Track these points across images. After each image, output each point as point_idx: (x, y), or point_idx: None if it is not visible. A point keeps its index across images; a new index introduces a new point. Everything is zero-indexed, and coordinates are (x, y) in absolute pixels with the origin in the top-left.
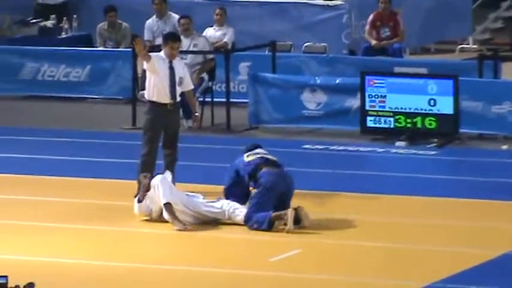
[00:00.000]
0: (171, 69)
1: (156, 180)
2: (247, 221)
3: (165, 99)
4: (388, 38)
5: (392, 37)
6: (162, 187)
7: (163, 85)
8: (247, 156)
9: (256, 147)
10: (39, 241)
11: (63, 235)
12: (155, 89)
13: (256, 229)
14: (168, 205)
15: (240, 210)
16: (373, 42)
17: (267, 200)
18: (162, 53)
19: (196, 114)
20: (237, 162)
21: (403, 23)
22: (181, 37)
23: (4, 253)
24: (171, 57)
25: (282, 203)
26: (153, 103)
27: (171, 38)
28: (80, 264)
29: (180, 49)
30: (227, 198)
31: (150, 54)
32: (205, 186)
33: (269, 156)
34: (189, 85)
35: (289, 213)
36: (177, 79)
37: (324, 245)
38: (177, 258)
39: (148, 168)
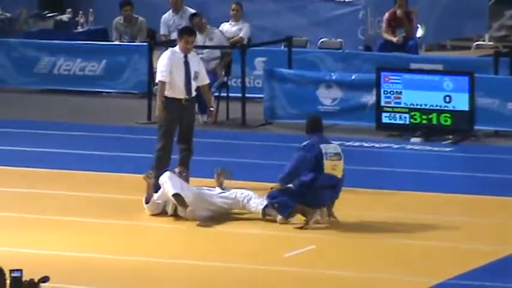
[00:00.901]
0: (186, 64)
1: (164, 177)
2: (269, 197)
3: (180, 94)
4: (403, 39)
5: (407, 37)
6: (170, 182)
7: (178, 80)
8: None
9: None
10: (52, 235)
11: (77, 229)
12: (170, 84)
13: (273, 208)
14: (176, 195)
15: (254, 202)
16: (395, 39)
17: (303, 192)
18: (177, 48)
19: (212, 109)
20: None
21: (417, 22)
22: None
23: (18, 247)
24: (186, 51)
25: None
26: (168, 98)
27: (187, 32)
28: (93, 258)
29: (195, 44)
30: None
31: (167, 50)
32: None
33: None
34: (204, 79)
35: (321, 215)
36: (192, 74)
37: (339, 241)
38: (192, 253)
39: (163, 163)
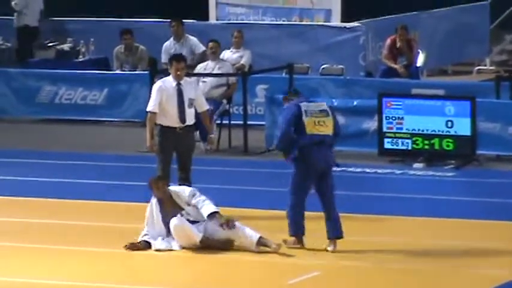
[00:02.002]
0: (179, 91)
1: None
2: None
3: (174, 122)
4: (405, 67)
5: (409, 65)
6: (188, 227)
7: (171, 109)
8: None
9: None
10: (56, 264)
11: (76, 258)
12: (163, 113)
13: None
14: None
15: (249, 230)
16: (398, 67)
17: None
18: (169, 77)
19: (212, 136)
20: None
21: (419, 48)
22: (209, 60)
23: (26, 277)
24: (177, 79)
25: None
26: (162, 126)
27: (175, 59)
28: (98, 287)
29: (206, 71)
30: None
31: (156, 84)
32: (222, 208)
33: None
34: (202, 106)
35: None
36: (186, 101)
37: (343, 267)
38: (195, 281)
39: None
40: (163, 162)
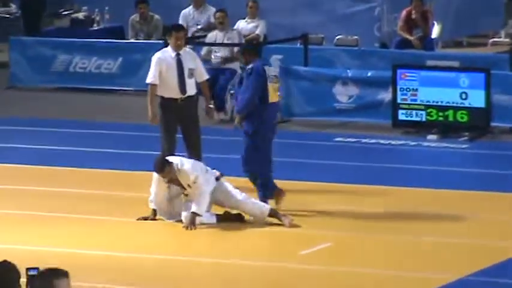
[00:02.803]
0: (179, 62)
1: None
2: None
3: (175, 93)
4: (420, 38)
5: (424, 37)
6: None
7: (171, 80)
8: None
9: None
10: (70, 232)
11: (94, 227)
12: (163, 84)
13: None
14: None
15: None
16: (413, 39)
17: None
18: (168, 47)
19: (211, 106)
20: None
21: (433, 19)
22: (216, 30)
23: (34, 244)
24: (176, 48)
25: None
26: (163, 98)
27: (175, 28)
28: (112, 256)
29: (215, 42)
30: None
31: (155, 58)
32: (238, 179)
33: None
34: (202, 75)
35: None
36: (186, 72)
37: (355, 238)
38: (209, 251)
39: None
40: (167, 135)
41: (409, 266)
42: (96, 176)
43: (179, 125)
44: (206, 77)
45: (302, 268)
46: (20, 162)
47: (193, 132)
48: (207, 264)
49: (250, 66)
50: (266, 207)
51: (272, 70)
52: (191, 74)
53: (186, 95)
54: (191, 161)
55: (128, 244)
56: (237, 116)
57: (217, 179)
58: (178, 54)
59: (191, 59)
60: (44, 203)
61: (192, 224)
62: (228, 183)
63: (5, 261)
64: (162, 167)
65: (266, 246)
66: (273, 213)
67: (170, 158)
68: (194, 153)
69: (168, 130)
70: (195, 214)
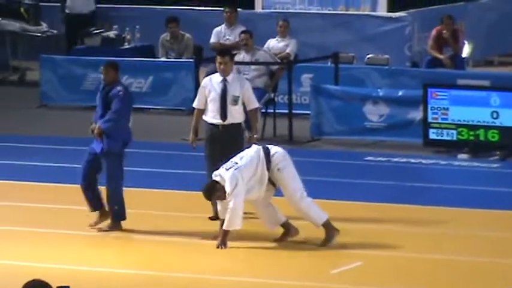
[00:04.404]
0: (224, 87)
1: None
2: None
3: (216, 119)
4: (451, 57)
5: (454, 55)
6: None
7: (212, 104)
8: None
9: None
10: (96, 251)
11: (125, 246)
12: (208, 107)
13: None
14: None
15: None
16: (443, 57)
17: None
18: (218, 73)
19: (255, 136)
20: None
21: (464, 39)
22: (243, 52)
23: (64, 263)
24: (222, 73)
25: None
26: (207, 123)
27: (218, 52)
28: (141, 275)
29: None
30: None
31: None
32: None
33: None
34: (248, 104)
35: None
36: (229, 98)
37: (386, 257)
38: (240, 269)
39: None
40: (208, 160)
41: (442, 285)
42: (127, 193)
43: (221, 152)
44: (254, 106)
45: (332, 287)
46: (53, 181)
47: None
48: (235, 283)
49: (121, 89)
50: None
51: None
52: (234, 101)
53: (228, 122)
54: (231, 170)
55: (159, 263)
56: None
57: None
58: (224, 80)
59: (238, 86)
60: (70, 222)
61: (223, 244)
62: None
63: (37, 280)
64: (209, 196)
65: (297, 265)
66: (285, 224)
67: (216, 175)
68: None
69: (209, 156)
70: (226, 232)
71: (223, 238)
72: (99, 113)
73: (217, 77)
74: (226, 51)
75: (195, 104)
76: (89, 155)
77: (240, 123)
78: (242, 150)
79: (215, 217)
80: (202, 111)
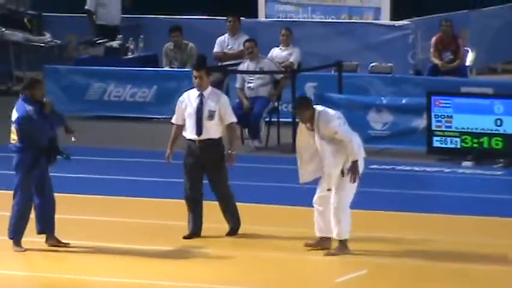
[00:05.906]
0: (200, 102)
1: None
2: None
3: (192, 135)
4: (450, 62)
5: (454, 60)
6: None
7: (189, 120)
8: None
9: None
10: (114, 262)
11: (136, 256)
12: (186, 123)
13: None
14: None
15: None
16: (440, 63)
17: None
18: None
19: (231, 152)
20: None
21: (466, 45)
22: (247, 61)
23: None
24: (198, 88)
25: None
26: (185, 139)
27: (194, 66)
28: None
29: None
30: None
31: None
32: (271, 206)
33: None
34: (226, 118)
35: None
36: (205, 113)
37: (390, 265)
38: (248, 280)
39: (191, 205)
40: (187, 176)
41: None
42: (133, 204)
43: (201, 167)
44: (231, 120)
45: None
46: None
47: (215, 176)
48: None
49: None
50: None
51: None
52: (211, 116)
53: (203, 137)
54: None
55: (175, 273)
56: None
57: None
58: (201, 95)
59: (215, 100)
60: (81, 231)
61: (357, 172)
62: None
63: None
64: (301, 108)
65: (302, 273)
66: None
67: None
68: (220, 197)
69: (188, 171)
70: (355, 162)
71: (355, 167)
72: None
73: (194, 92)
74: (201, 65)
75: (173, 119)
76: None
77: (217, 138)
78: (222, 165)
79: (189, 236)
80: (181, 127)
